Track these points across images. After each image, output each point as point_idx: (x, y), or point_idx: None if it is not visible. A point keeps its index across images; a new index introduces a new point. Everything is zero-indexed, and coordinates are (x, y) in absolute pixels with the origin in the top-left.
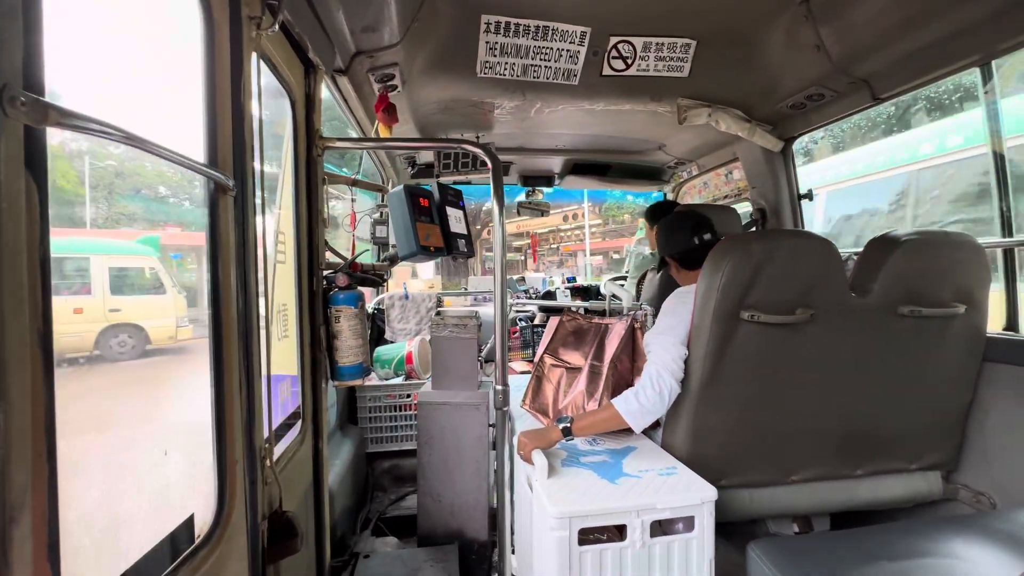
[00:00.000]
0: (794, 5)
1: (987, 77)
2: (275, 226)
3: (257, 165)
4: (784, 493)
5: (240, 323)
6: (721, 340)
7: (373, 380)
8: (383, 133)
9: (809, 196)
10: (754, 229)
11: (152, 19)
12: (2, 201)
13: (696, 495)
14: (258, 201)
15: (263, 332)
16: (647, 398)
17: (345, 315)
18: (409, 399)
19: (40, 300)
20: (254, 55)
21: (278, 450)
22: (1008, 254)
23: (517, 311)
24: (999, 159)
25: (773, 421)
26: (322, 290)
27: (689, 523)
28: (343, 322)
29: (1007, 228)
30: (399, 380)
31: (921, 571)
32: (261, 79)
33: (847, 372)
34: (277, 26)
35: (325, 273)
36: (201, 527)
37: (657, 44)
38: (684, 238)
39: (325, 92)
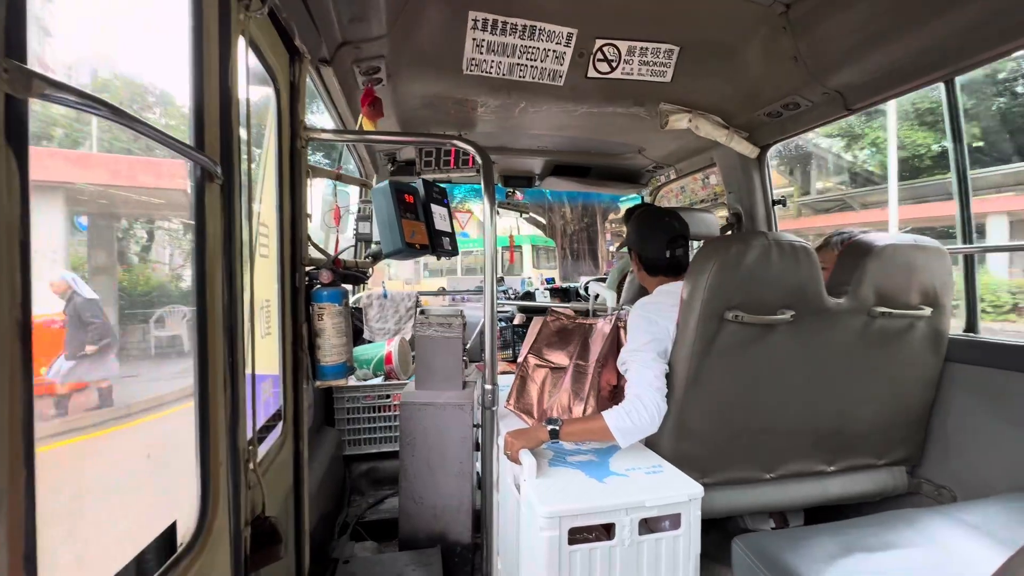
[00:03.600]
0: (773, 16)
1: (951, 92)
2: (258, 218)
3: (244, 155)
4: (762, 489)
5: (225, 318)
6: (706, 340)
7: (351, 380)
8: (367, 127)
9: (783, 203)
10: (730, 233)
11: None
12: None
13: (683, 492)
14: (244, 191)
15: (247, 328)
16: (639, 418)
17: (329, 313)
18: (388, 400)
19: (19, 287)
20: (241, 38)
21: (260, 452)
22: (968, 260)
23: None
24: (961, 170)
25: (753, 419)
26: (305, 286)
27: (676, 520)
28: (327, 320)
29: (967, 235)
30: (378, 381)
31: (892, 561)
32: (248, 64)
33: (822, 371)
34: (266, 10)
35: (308, 269)
36: (184, 534)
37: (642, 48)
38: (657, 248)
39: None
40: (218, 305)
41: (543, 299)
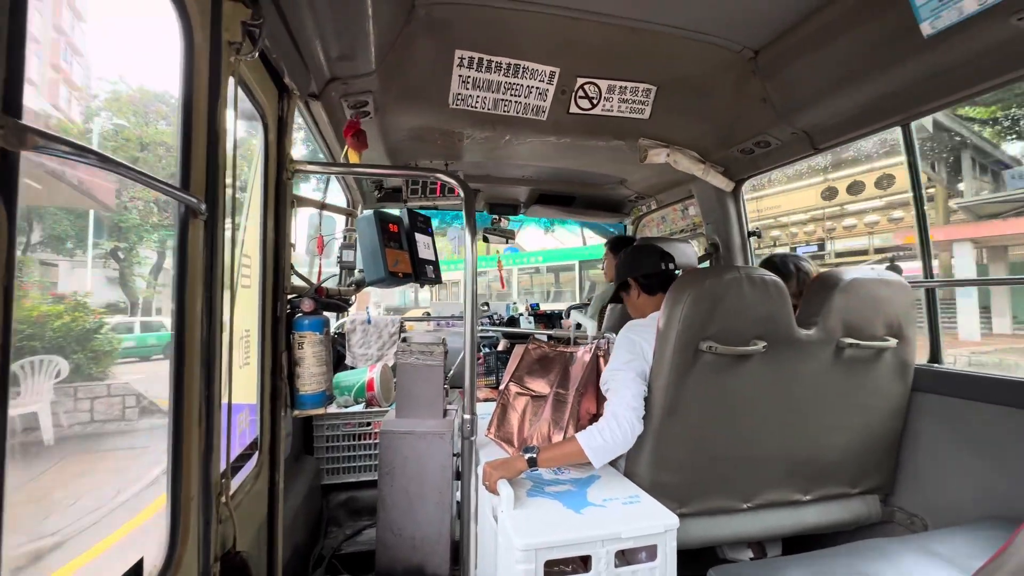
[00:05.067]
0: (743, 61)
1: (907, 135)
2: (241, 249)
3: (229, 190)
4: (739, 519)
5: (203, 351)
6: (681, 371)
7: (331, 408)
8: (352, 158)
9: (757, 234)
10: (707, 263)
11: (134, 42)
12: None
13: (659, 523)
14: (228, 226)
15: (225, 359)
16: (612, 436)
17: (309, 341)
18: (369, 428)
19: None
20: (231, 80)
21: (234, 484)
22: (930, 293)
23: (481, 336)
24: (920, 207)
25: (729, 449)
26: (286, 315)
27: (652, 552)
28: (307, 348)
29: (928, 271)
30: (359, 408)
31: None
32: (237, 104)
33: (795, 400)
34: (256, 53)
35: (290, 297)
36: (151, 572)
37: (621, 87)
38: (653, 263)
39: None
40: (197, 339)
41: (527, 325)
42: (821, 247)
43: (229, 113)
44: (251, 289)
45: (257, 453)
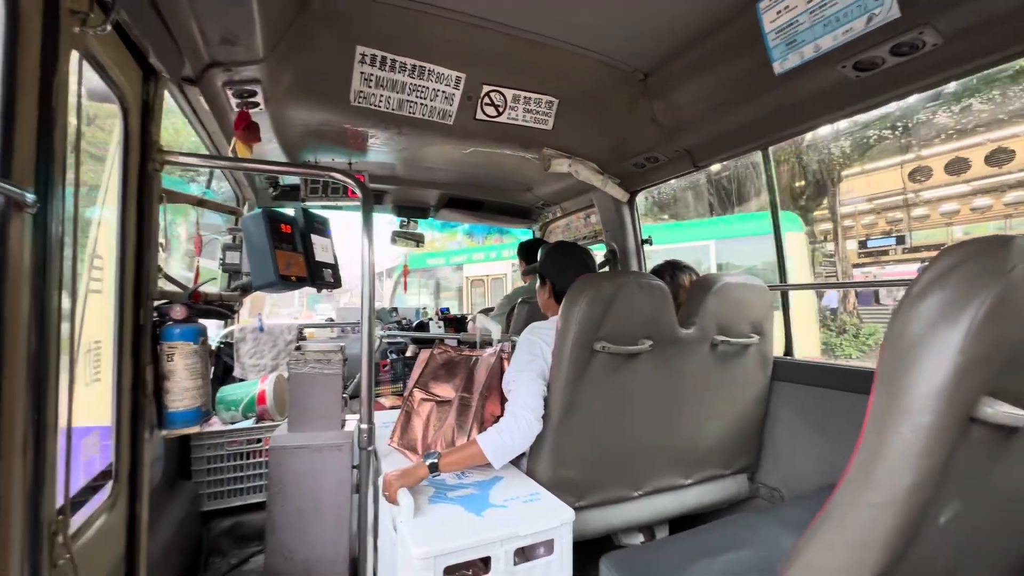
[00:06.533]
0: (635, 82)
1: (766, 158)
2: (93, 248)
3: (72, 177)
4: (631, 507)
5: (31, 368)
6: (577, 370)
7: (215, 425)
8: (241, 152)
9: (649, 242)
10: (607, 268)
11: None
12: None
13: (556, 518)
14: (68, 219)
15: (65, 376)
16: (510, 436)
17: (181, 352)
18: (260, 444)
19: None
20: (75, 54)
21: (77, 520)
22: (784, 295)
23: (388, 342)
24: (776, 221)
25: (622, 441)
26: (152, 324)
27: (549, 546)
28: (178, 360)
29: (783, 275)
30: (248, 423)
31: (733, 559)
32: (83, 82)
33: (678, 393)
34: (109, 26)
35: (157, 304)
36: None
37: (525, 97)
38: (570, 279)
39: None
40: (21, 354)
41: (437, 329)
42: (901, 240)
43: (72, 92)
44: (103, 294)
45: (111, 482)
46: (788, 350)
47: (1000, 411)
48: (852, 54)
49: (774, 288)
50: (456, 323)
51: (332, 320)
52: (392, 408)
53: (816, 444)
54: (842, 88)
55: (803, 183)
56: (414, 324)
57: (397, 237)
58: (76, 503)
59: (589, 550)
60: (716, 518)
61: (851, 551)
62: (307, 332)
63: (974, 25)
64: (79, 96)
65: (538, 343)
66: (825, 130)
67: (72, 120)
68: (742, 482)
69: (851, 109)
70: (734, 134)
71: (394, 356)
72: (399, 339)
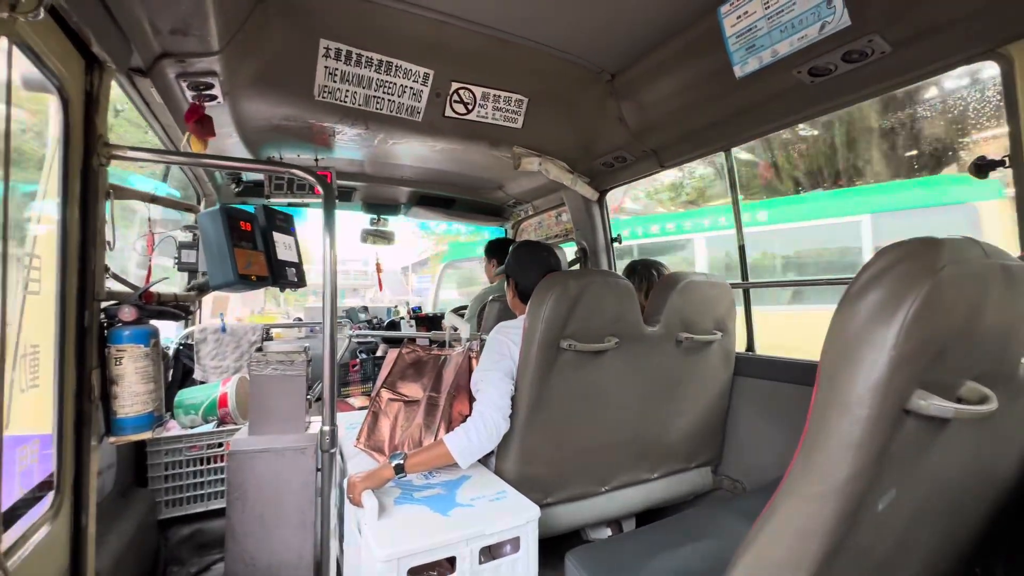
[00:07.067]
0: (602, 83)
1: (729, 159)
2: (32, 247)
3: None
4: (599, 502)
5: None
6: (544, 368)
7: (173, 430)
8: (195, 147)
9: (619, 240)
10: (577, 266)
11: None
12: None
13: (522, 516)
14: None
15: None
16: (477, 435)
17: (131, 355)
18: (220, 449)
19: None
20: (3, 40)
21: (12, 535)
22: (746, 293)
23: (359, 342)
24: (739, 223)
25: (588, 438)
26: (98, 326)
27: (516, 544)
28: (127, 364)
29: (744, 274)
30: (208, 428)
31: (694, 550)
32: (13, 70)
33: (644, 389)
34: (43, 12)
35: (104, 305)
36: None
37: (494, 96)
38: (534, 279)
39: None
40: None
41: (408, 328)
42: None
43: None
44: (42, 295)
45: (52, 493)
46: (750, 345)
47: (931, 403)
48: (807, 60)
49: (736, 286)
50: (428, 322)
51: (300, 320)
52: (361, 409)
53: (776, 436)
54: (799, 92)
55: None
56: (385, 323)
57: (367, 235)
58: (12, 517)
59: (558, 546)
60: (681, 510)
61: (795, 540)
62: (274, 332)
63: (919, 34)
64: (7, 86)
65: (506, 342)
66: None
67: (1, 111)
68: (706, 474)
69: (808, 112)
70: (698, 135)
71: (364, 356)
72: (370, 339)
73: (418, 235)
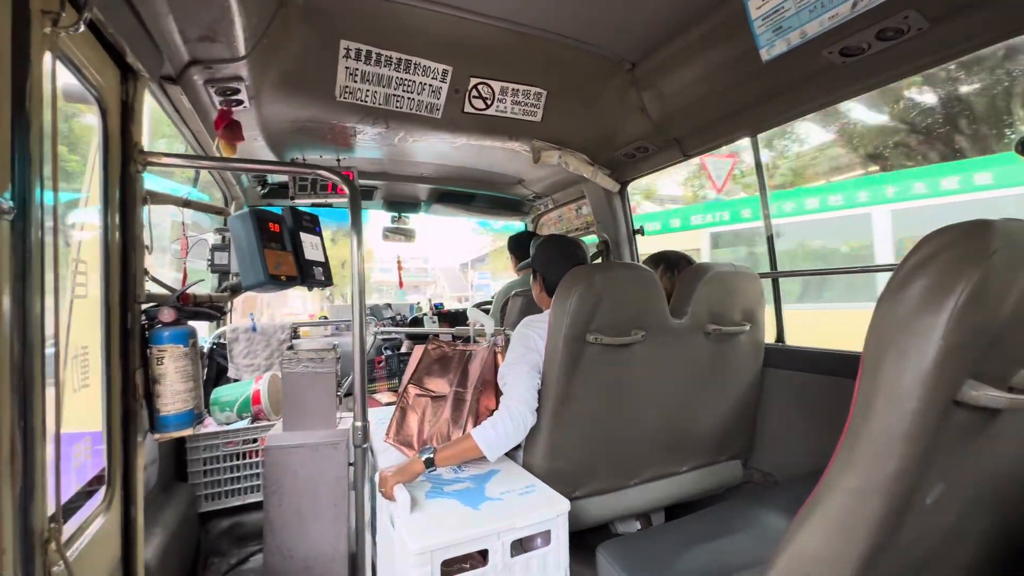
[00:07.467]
0: (623, 72)
1: (755, 145)
2: (78, 253)
3: (51, 181)
4: (627, 495)
5: (14, 376)
6: (571, 362)
7: (210, 426)
8: (225, 151)
9: (641, 232)
10: (600, 260)
11: None
12: None
13: (552, 509)
14: (48, 224)
15: (52, 383)
16: (504, 429)
17: (171, 355)
18: (256, 444)
19: None
20: (48, 55)
21: (71, 527)
22: (775, 283)
23: (383, 339)
24: (766, 211)
25: (616, 431)
26: (140, 327)
27: (546, 537)
28: (168, 363)
29: (773, 263)
30: (243, 424)
31: (728, 544)
32: (58, 84)
33: (670, 382)
34: (83, 26)
35: (145, 307)
36: None
37: (513, 89)
38: (563, 269)
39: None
40: (3, 362)
41: (431, 325)
42: None
43: (47, 94)
44: (89, 299)
45: (104, 487)
46: (780, 336)
47: (984, 394)
48: (838, 39)
49: (765, 276)
50: (450, 318)
51: (327, 318)
52: (388, 404)
53: (808, 429)
54: (829, 74)
55: None
56: (408, 320)
57: (388, 233)
58: (69, 509)
59: (586, 539)
60: (711, 503)
61: (838, 536)
62: (302, 331)
63: (958, 9)
64: (54, 98)
65: (532, 336)
66: None
67: (48, 122)
68: (736, 467)
69: (838, 94)
70: (722, 122)
71: (389, 352)
72: (394, 335)
73: (478, 232)
